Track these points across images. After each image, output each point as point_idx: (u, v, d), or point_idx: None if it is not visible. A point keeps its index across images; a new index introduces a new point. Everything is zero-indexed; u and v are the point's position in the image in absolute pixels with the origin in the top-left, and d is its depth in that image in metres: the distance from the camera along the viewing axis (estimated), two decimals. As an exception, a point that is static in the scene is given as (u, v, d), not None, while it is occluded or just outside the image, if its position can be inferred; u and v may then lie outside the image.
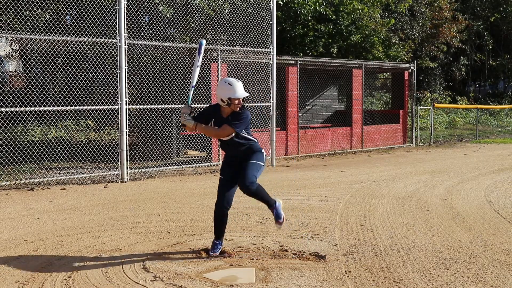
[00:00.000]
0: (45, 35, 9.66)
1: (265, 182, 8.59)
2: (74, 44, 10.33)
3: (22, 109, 9.33)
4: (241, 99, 5.06)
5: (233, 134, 5.12)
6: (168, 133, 11.88)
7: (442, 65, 30.21)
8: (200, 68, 5.63)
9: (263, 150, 5.30)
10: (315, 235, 6.00)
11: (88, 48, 10.97)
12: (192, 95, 5.26)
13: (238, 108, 5.08)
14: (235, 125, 5.05)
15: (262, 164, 5.20)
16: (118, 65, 10.00)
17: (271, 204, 5.23)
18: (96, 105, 10.76)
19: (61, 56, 10.81)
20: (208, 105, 5.37)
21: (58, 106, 10.58)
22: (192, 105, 5.24)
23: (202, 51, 5.36)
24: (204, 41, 5.38)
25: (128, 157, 10.19)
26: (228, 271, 4.81)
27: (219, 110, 5.18)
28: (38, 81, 10.92)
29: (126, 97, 10.05)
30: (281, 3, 16.97)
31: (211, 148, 12.30)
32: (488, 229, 6.30)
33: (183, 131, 12.83)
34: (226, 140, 5.18)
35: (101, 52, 10.57)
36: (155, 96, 11.71)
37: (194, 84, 5.31)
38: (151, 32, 12.05)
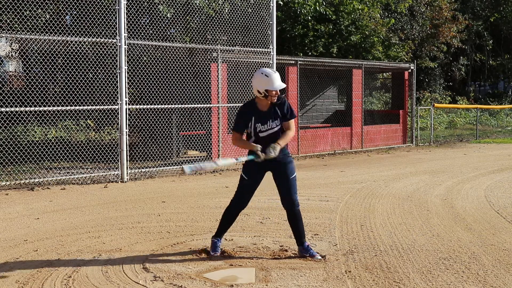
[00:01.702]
0: (45, 35, 9.66)
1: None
2: (74, 44, 10.33)
3: (22, 109, 9.33)
4: (278, 91, 4.96)
5: (276, 129, 5.00)
6: (168, 133, 11.87)
7: (442, 65, 30.21)
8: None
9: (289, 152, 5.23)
10: (315, 235, 6.00)
11: (88, 48, 10.97)
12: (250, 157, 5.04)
13: (275, 100, 4.99)
14: (292, 115, 5.03)
15: (296, 175, 5.15)
16: (118, 65, 9.99)
17: (302, 241, 5.13)
18: (96, 105, 10.75)
19: (61, 56, 10.81)
20: (241, 106, 5.11)
21: (58, 106, 10.58)
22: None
23: (196, 167, 5.00)
24: (185, 169, 4.88)
25: (128, 157, 10.19)
26: (228, 271, 4.81)
27: (256, 106, 5.04)
28: (38, 81, 10.91)
29: (126, 97, 10.05)
30: (281, 3, 16.98)
31: (211, 148, 12.30)
32: (488, 229, 6.30)
33: (184, 130, 12.84)
34: (267, 136, 4.99)
35: (101, 52, 10.57)
36: (155, 96, 11.71)
37: (235, 160, 5.12)
38: (151, 32, 12.05)
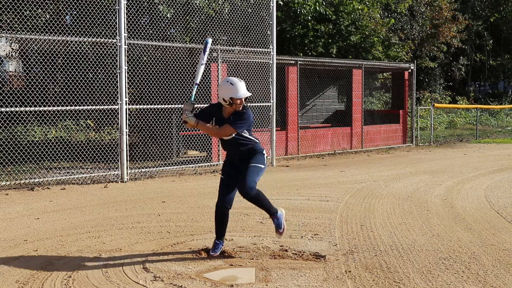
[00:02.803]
0: (45, 35, 9.66)
1: (265, 182, 8.60)
2: (74, 44, 10.33)
3: (22, 109, 9.33)
4: (243, 99, 5.03)
5: (234, 134, 5.10)
6: (168, 133, 11.88)
7: (442, 65, 30.21)
8: (205, 67, 5.61)
9: (264, 151, 5.26)
10: (315, 235, 6.00)
11: (88, 48, 10.97)
12: (196, 92, 5.25)
13: (241, 108, 5.06)
14: (237, 126, 5.02)
15: (263, 166, 5.17)
16: (118, 65, 9.99)
17: (272, 212, 5.18)
18: (96, 105, 10.75)
19: (61, 56, 10.81)
20: (209, 104, 5.31)
21: (58, 106, 10.58)
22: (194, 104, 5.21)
23: (208, 49, 5.34)
24: (210, 40, 5.37)
25: (128, 157, 10.19)
26: (228, 271, 4.81)
27: (221, 109, 5.15)
28: (38, 81, 10.91)
29: (126, 97, 10.05)
30: (281, 3, 16.97)
31: (211, 148, 12.30)
32: (488, 229, 6.30)
33: (184, 130, 12.84)
34: (228, 140, 5.15)
35: (101, 52, 10.57)
36: (155, 96, 11.71)
37: (198, 82, 5.26)
38: (151, 32, 12.05)
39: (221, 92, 5.03)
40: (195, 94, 5.22)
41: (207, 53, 5.34)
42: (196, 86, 5.28)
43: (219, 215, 5.24)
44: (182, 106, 11.40)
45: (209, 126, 5.10)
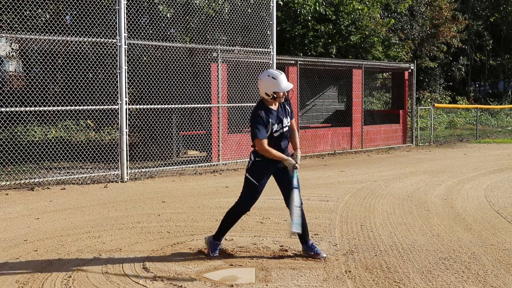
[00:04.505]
0: (45, 35, 9.66)
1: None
2: (74, 44, 10.33)
3: (22, 109, 9.33)
4: (285, 92, 5.01)
5: (288, 126, 5.09)
6: (168, 133, 11.88)
7: (442, 65, 30.21)
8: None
9: None
10: (315, 235, 6.00)
11: (88, 48, 10.97)
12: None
13: (283, 100, 5.04)
14: (293, 113, 5.16)
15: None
16: (118, 65, 9.99)
17: (306, 239, 5.15)
18: (96, 105, 10.75)
19: (61, 56, 10.81)
20: (257, 111, 4.97)
21: (58, 106, 10.58)
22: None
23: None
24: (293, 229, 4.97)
25: (128, 157, 10.19)
26: (228, 271, 4.81)
27: (268, 107, 4.99)
28: (38, 81, 10.92)
29: (126, 97, 10.05)
30: (281, 3, 16.98)
31: (211, 148, 12.30)
32: (488, 229, 6.30)
33: (184, 130, 12.85)
34: (278, 136, 5.00)
35: (101, 52, 10.57)
36: (155, 96, 11.71)
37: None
38: (151, 32, 12.05)
39: (263, 87, 4.94)
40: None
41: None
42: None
43: (237, 216, 5.19)
44: (184, 106, 11.42)
45: (297, 139, 5.20)
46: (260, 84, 4.98)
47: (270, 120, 4.93)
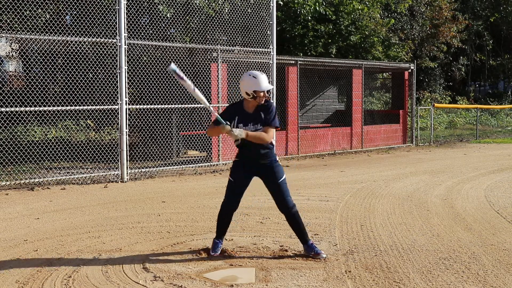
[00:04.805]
0: (45, 35, 9.66)
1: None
2: (74, 44, 10.33)
3: (22, 109, 9.33)
4: (266, 92, 5.02)
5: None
6: (168, 133, 11.88)
7: (442, 65, 30.21)
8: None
9: (277, 158, 5.24)
10: (315, 235, 6.00)
11: (88, 48, 10.97)
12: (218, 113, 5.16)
13: (263, 101, 5.04)
14: (274, 122, 5.02)
15: (285, 176, 5.18)
16: (118, 65, 9.99)
17: (305, 239, 5.17)
18: (96, 105, 10.75)
19: (61, 56, 10.81)
20: (229, 104, 5.23)
21: (58, 106, 10.58)
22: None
23: (181, 73, 5.13)
24: (173, 65, 5.11)
25: (128, 157, 10.19)
26: (228, 271, 4.81)
27: (242, 106, 5.09)
28: (38, 81, 10.92)
29: (126, 97, 10.05)
30: (281, 3, 16.97)
31: (211, 148, 12.30)
32: (488, 229, 6.30)
33: (184, 130, 12.84)
34: (253, 142, 5.01)
35: (101, 52, 10.57)
36: (155, 96, 11.71)
37: (208, 104, 5.16)
38: (151, 32, 12.05)
39: (244, 86, 4.98)
40: (218, 114, 5.10)
41: (183, 76, 5.14)
42: (212, 107, 5.20)
43: (225, 215, 5.23)
44: (184, 106, 11.42)
45: (257, 134, 4.97)
46: (241, 83, 5.04)
47: (236, 117, 5.03)
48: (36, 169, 10.61)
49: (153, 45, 11.52)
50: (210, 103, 12.12)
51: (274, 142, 5.21)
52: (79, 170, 10.85)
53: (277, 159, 5.21)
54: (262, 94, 4.99)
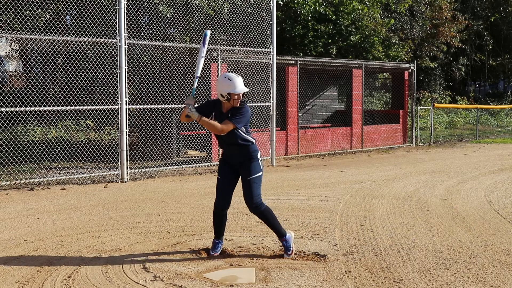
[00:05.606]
0: (45, 35, 9.66)
1: (266, 182, 8.59)
2: (74, 44, 10.33)
3: (22, 109, 9.33)
4: (240, 94, 5.03)
5: (234, 131, 5.06)
6: (168, 133, 11.88)
7: (442, 65, 30.22)
8: (204, 60, 5.57)
9: (259, 155, 5.22)
10: (315, 235, 6.00)
11: (88, 48, 10.97)
12: (197, 86, 5.23)
13: (238, 103, 5.06)
14: (236, 120, 5.01)
15: (261, 173, 5.17)
16: (118, 65, 10.00)
17: (281, 233, 5.20)
18: (96, 105, 10.76)
19: (61, 56, 10.81)
20: (208, 100, 5.35)
21: (58, 106, 10.58)
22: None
23: (207, 41, 5.31)
24: (209, 32, 5.36)
25: (128, 157, 10.19)
26: (228, 271, 4.81)
27: (220, 105, 5.15)
28: (38, 81, 10.92)
29: (126, 97, 10.05)
30: (281, 3, 16.97)
31: (211, 148, 12.30)
32: (488, 229, 6.30)
33: (184, 130, 12.84)
34: (225, 137, 5.11)
35: (101, 52, 10.57)
36: (155, 96, 11.71)
37: (198, 75, 5.23)
38: (151, 32, 12.05)
39: (219, 88, 5.03)
40: (196, 88, 5.19)
41: (206, 45, 5.30)
42: (197, 80, 5.25)
43: (218, 215, 5.25)
44: (182, 106, 11.42)
45: (211, 121, 5.03)
46: (217, 85, 5.09)
47: (213, 113, 5.11)
48: (36, 169, 10.61)
49: (153, 45, 11.52)
50: (210, 102, 12.10)
51: (253, 140, 5.19)
52: (79, 170, 10.85)
53: (258, 156, 5.20)
54: (236, 96, 5.00)
